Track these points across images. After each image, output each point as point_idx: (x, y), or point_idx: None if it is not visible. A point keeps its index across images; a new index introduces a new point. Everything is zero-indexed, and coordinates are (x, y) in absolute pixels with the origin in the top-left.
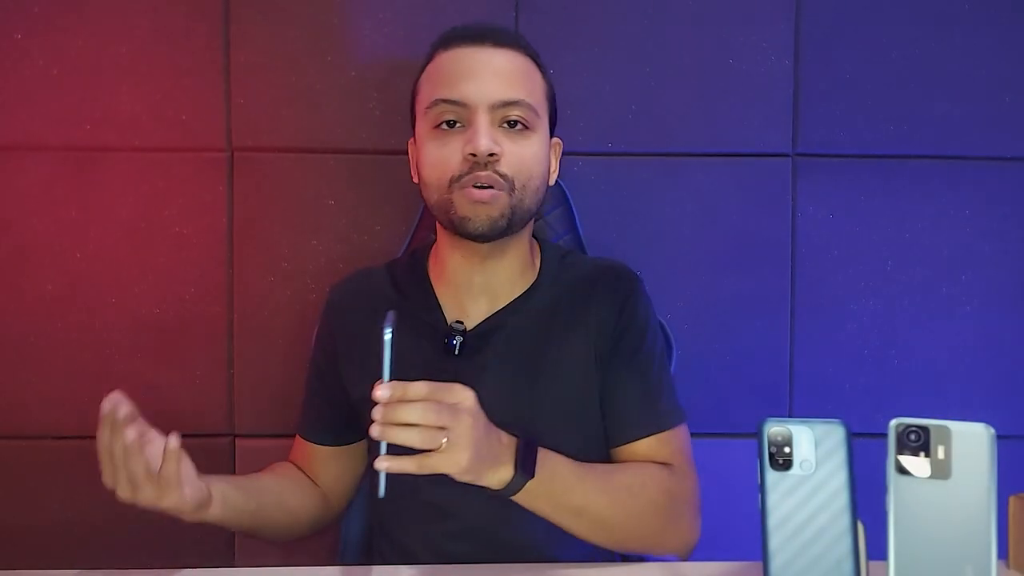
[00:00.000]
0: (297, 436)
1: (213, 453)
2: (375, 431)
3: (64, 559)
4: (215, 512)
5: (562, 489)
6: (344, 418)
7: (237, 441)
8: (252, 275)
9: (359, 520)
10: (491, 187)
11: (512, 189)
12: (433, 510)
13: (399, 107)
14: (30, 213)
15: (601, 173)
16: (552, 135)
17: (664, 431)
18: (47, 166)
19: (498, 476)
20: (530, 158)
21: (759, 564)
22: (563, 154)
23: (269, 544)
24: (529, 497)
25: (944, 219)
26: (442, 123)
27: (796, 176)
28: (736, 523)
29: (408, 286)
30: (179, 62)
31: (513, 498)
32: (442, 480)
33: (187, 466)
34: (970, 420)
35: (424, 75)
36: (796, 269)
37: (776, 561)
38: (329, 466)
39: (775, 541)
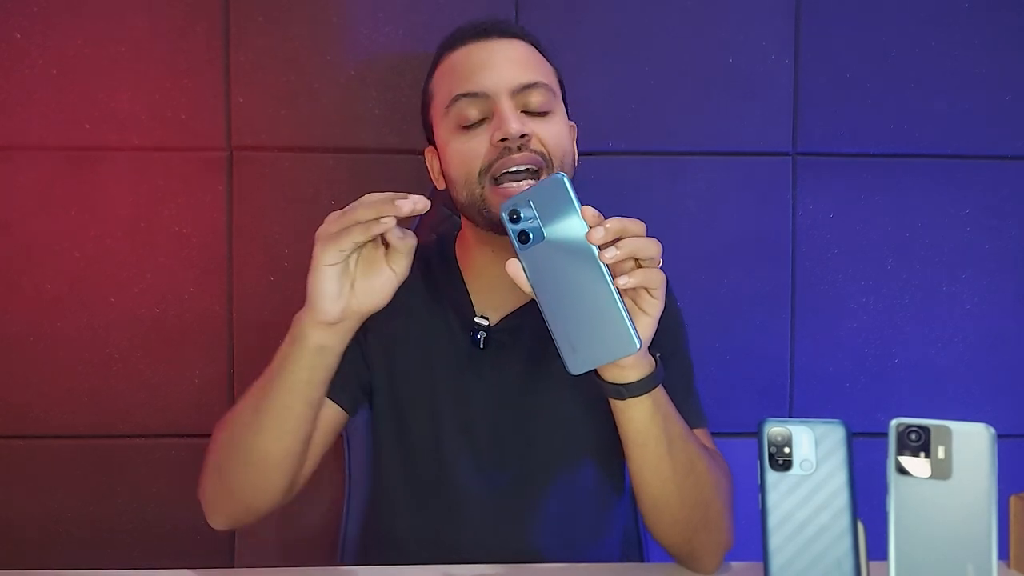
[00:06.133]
0: None
1: None
2: (628, 280)
3: (64, 559)
4: (327, 338)
5: (671, 412)
6: (357, 382)
7: None
8: (252, 275)
9: (358, 520)
10: (528, 168)
11: (551, 166)
12: (434, 509)
13: (399, 107)
14: (30, 213)
15: (601, 173)
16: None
17: (700, 428)
18: (47, 166)
19: (650, 359)
20: (559, 134)
21: (759, 564)
22: None
23: (268, 543)
24: (653, 404)
25: (944, 218)
26: (468, 123)
27: (796, 175)
28: (736, 523)
29: (438, 274)
30: (179, 62)
31: (646, 397)
32: (447, 478)
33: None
34: (970, 420)
35: (435, 78)
36: (796, 268)
37: (776, 561)
38: (319, 428)
39: (775, 541)
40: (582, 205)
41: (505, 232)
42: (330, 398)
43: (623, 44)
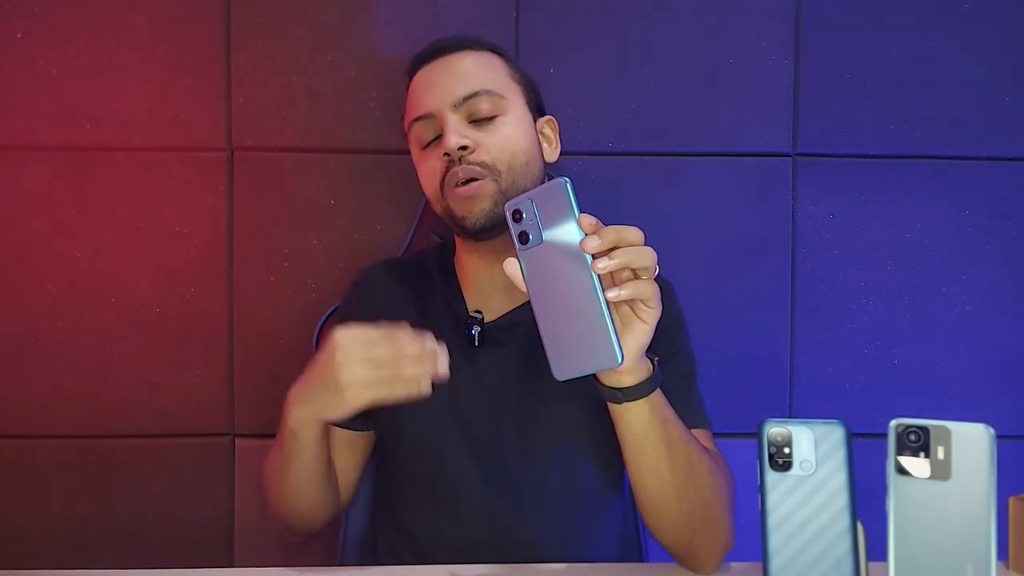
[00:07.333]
0: None
1: (213, 453)
2: (618, 293)
3: (64, 559)
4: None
5: (669, 415)
6: None
7: (237, 441)
8: (252, 275)
9: (359, 519)
10: (472, 179)
11: (497, 175)
12: (436, 503)
13: (399, 107)
14: (30, 213)
15: (601, 173)
16: (542, 115)
17: (702, 429)
18: (47, 166)
19: (647, 364)
20: (506, 139)
21: (759, 564)
22: (563, 154)
23: (268, 543)
24: (651, 408)
25: (944, 219)
26: (425, 143)
27: (796, 176)
28: (736, 523)
29: (436, 278)
30: (179, 62)
31: (644, 401)
32: (446, 472)
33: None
34: (970, 420)
35: (405, 107)
36: (796, 269)
37: (776, 561)
38: (344, 454)
39: (775, 541)
40: (581, 212)
41: (480, 239)
42: (337, 426)
43: (623, 44)
